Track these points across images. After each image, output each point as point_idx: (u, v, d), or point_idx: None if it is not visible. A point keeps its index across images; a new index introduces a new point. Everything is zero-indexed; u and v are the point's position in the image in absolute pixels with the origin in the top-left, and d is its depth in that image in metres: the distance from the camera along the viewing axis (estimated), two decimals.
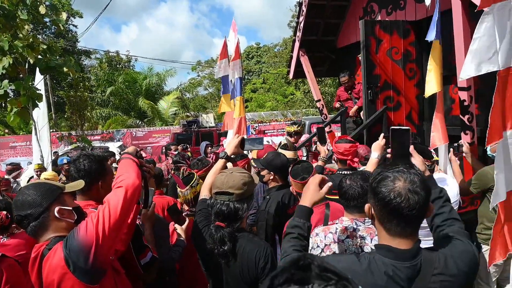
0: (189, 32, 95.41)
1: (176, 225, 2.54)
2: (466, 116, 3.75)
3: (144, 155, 2.37)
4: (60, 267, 1.36)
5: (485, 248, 3.01)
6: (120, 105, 22.14)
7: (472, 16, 3.35)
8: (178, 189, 2.91)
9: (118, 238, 1.47)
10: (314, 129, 11.96)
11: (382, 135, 2.80)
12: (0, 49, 4.62)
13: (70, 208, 1.51)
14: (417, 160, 1.66)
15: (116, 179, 1.53)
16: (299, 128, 5.72)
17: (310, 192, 1.53)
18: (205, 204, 1.94)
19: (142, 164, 1.68)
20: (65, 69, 5.50)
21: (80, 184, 1.66)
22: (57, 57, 5.33)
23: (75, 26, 27.94)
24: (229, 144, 2.34)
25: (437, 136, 3.16)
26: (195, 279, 2.54)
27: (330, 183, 1.55)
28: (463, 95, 3.74)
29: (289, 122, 17.95)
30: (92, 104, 18.53)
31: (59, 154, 10.54)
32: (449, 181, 2.55)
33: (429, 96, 3.20)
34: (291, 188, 2.52)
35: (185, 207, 2.94)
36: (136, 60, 31.10)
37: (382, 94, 5.01)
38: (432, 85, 3.04)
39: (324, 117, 6.97)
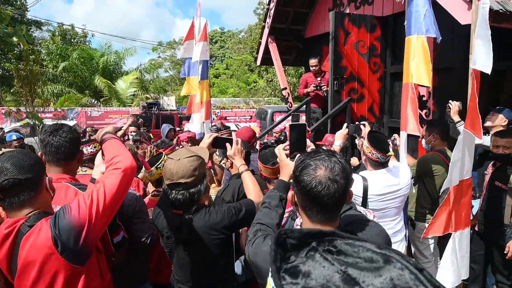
0: (150, 10, 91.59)
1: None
2: (424, 111, 3.98)
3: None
4: (47, 247, 1.28)
5: (419, 224, 3.31)
6: (74, 82, 20.89)
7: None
8: (143, 170, 2.83)
9: (109, 220, 1.41)
10: (276, 118, 12.09)
11: (345, 125, 2.95)
12: None
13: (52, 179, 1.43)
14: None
15: (111, 160, 1.46)
16: None
17: (286, 166, 1.59)
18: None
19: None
20: (14, 39, 5.07)
21: None
22: (6, 26, 4.91)
23: None
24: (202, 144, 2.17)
25: (412, 124, 3.02)
26: (160, 269, 2.46)
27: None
28: (422, 91, 3.96)
29: (252, 109, 17.93)
30: (43, 79, 17.31)
31: (6, 131, 9.80)
32: (402, 168, 2.63)
33: (389, 90, 3.26)
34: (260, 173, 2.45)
35: (151, 189, 2.88)
36: (92, 36, 29.43)
37: (347, 85, 5.16)
38: (424, 77, 2.89)
39: (289, 105, 7.06)
